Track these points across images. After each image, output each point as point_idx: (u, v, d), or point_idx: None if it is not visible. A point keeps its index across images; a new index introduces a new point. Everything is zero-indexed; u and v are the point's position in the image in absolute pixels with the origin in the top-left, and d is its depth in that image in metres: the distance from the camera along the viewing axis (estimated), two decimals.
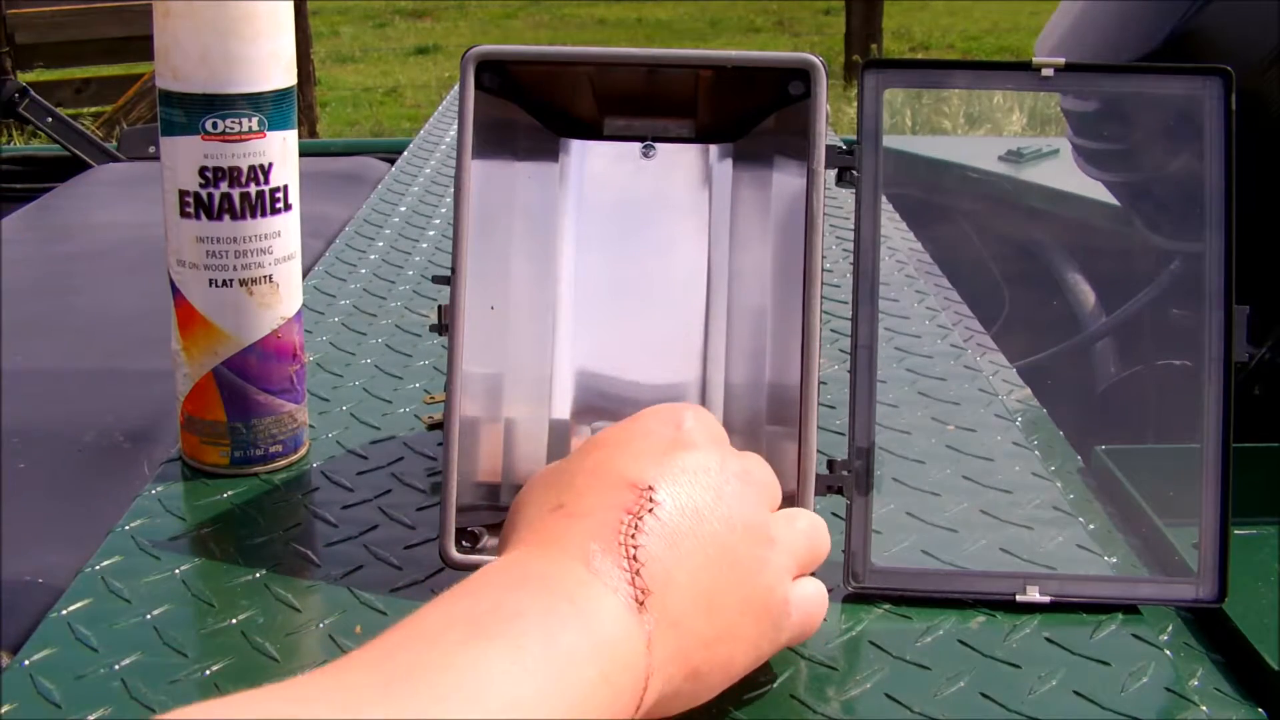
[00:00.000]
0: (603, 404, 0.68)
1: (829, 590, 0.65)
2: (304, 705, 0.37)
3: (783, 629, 0.53)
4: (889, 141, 0.67)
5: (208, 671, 0.57)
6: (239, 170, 0.70)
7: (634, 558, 0.47)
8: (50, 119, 2.12)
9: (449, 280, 0.66)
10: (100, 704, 0.54)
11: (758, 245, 0.68)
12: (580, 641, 0.43)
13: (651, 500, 0.49)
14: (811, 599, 0.55)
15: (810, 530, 0.56)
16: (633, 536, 0.47)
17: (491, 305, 0.68)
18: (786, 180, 0.67)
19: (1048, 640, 0.61)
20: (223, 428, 0.74)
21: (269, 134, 0.71)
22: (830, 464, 0.65)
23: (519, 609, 0.43)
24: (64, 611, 0.61)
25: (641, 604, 0.46)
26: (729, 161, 0.69)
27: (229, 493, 0.73)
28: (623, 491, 0.49)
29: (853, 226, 0.66)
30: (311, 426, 0.79)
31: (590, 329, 0.69)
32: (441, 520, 0.63)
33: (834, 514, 0.68)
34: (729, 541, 0.50)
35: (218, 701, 0.37)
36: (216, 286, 0.72)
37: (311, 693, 0.38)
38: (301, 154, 0.75)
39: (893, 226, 1.23)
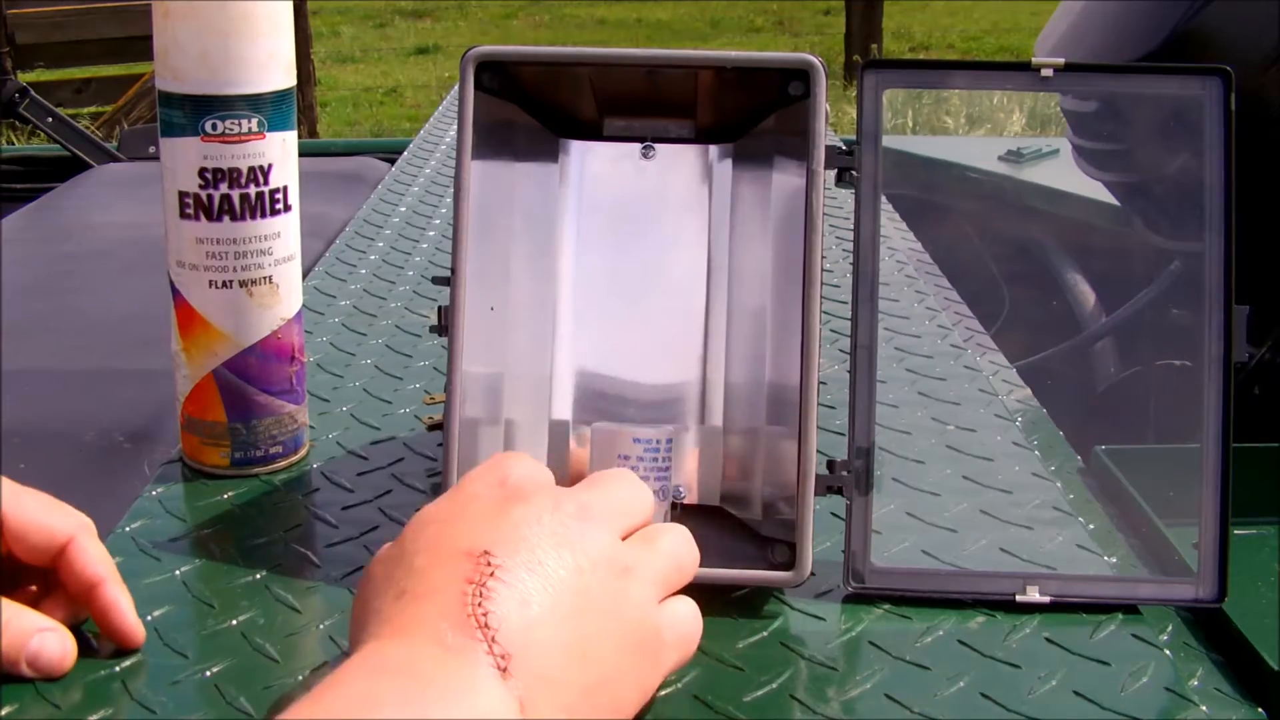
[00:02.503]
0: (603, 404, 0.68)
1: (829, 591, 0.65)
2: None
3: (662, 657, 0.52)
4: (888, 141, 0.67)
5: (208, 673, 0.57)
6: (239, 171, 0.70)
7: (485, 625, 0.46)
8: (50, 119, 2.12)
9: (449, 281, 0.66)
10: (101, 705, 0.54)
11: (757, 245, 0.68)
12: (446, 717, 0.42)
13: (489, 564, 0.47)
14: (683, 619, 0.54)
15: (671, 547, 0.55)
16: (479, 605, 0.46)
17: (491, 306, 0.68)
18: (786, 180, 0.67)
19: (1048, 640, 0.61)
20: (223, 429, 0.74)
21: (268, 135, 0.71)
22: (830, 464, 0.65)
23: (383, 700, 0.42)
24: None
25: (504, 670, 0.45)
26: (729, 162, 0.69)
27: (229, 494, 0.73)
28: (460, 563, 0.48)
29: (852, 226, 0.66)
30: (311, 427, 0.79)
31: (590, 329, 0.69)
32: None
33: (834, 514, 0.68)
34: (582, 584, 0.49)
35: None
36: (216, 288, 0.72)
37: None
38: (301, 154, 0.75)
39: (892, 226, 1.23)
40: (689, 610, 0.54)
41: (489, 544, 0.48)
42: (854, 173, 0.66)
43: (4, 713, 0.54)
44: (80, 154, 2.06)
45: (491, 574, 0.47)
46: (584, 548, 0.50)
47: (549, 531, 0.50)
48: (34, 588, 0.59)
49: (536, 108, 0.69)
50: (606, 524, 0.52)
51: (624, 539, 0.53)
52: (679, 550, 0.55)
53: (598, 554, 0.50)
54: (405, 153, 1.51)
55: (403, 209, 1.28)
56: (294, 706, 0.43)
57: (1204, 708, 0.57)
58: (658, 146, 0.69)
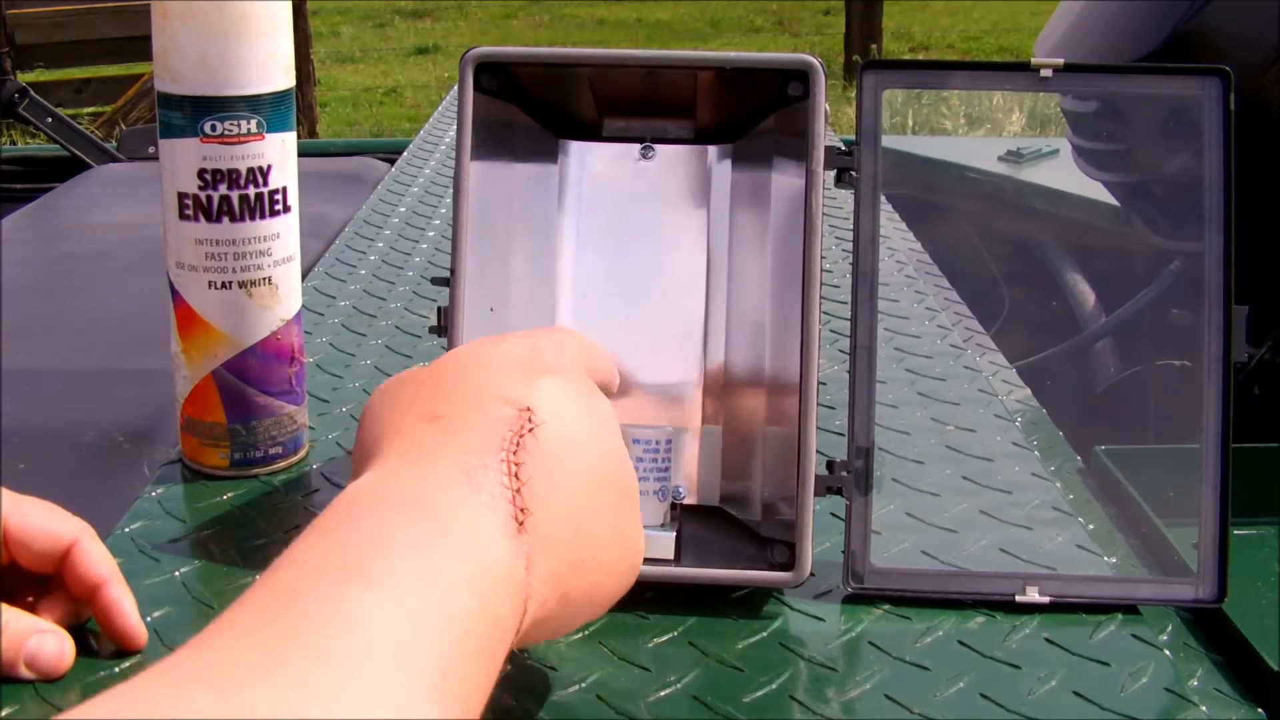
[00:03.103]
0: None
1: (828, 591, 0.65)
2: (181, 692, 0.35)
3: (635, 567, 0.53)
4: (888, 142, 0.67)
5: None
6: (238, 172, 0.70)
7: (516, 475, 0.46)
8: (50, 119, 2.12)
9: (448, 282, 0.66)
10: None
11: (757, 246, 0.68)
12: (460, 571, 0.42)
13: (531, 420, 0.47)
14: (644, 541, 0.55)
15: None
16: (515, 453, 0.46)
17: (491, 307, 0.68)
18: (785, 181, 0.67)
19: (1047, 641, 0.61)
20: (222, 429, 0.74)
21: (268, 136, 0.71)
22: (830, 464, 0.65)
23: (393, 540, 0.41)
24: None
25: (521, 524, 0.45)
26: (728, 162, 0.69)
27: (229, 495, 0.73)
28: (502, 408, 0.47)
29: (852, 226, 0.66)
30: (311, 428, 0.79)
31: (589, 330, 0.69)
32: None
33: (834, 514, 0.68)
34: (604, 468, 0.50)
35: (93, 702, 0.35)
36: (216, 289, 0.72)
37: (188, 673, 0.36)
38: (301, 154, 0.75)
39: (892, 227, 1.23)
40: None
41: (532, 402, 0.48)
42: (853, 173, 0.66)
43: (3, 713, 0.54)
44: (80, 154, 2.06)
45: (531, 429, 0.47)
46: (609, 437, 0.51)
47: (584, 409, 0.50)
48: (30, 598, 0.59)
49: (536, 108, 0.69)
50: (617, 431, 0.52)
51: None
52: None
53: (618, 449, 0.51)
54: (405, 153, 1.51)
55: (402, 209, 1.28)
56: (309, 529, 0.43)
57: (1204, 708, 0.57)
58: (657, 147, 0.69)
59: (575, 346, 0.54)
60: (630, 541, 0.52)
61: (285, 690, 0.35)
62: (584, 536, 0.48)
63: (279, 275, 0.73)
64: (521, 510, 0.45)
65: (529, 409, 0.48)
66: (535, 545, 0.45)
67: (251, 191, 0.71)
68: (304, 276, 0.79)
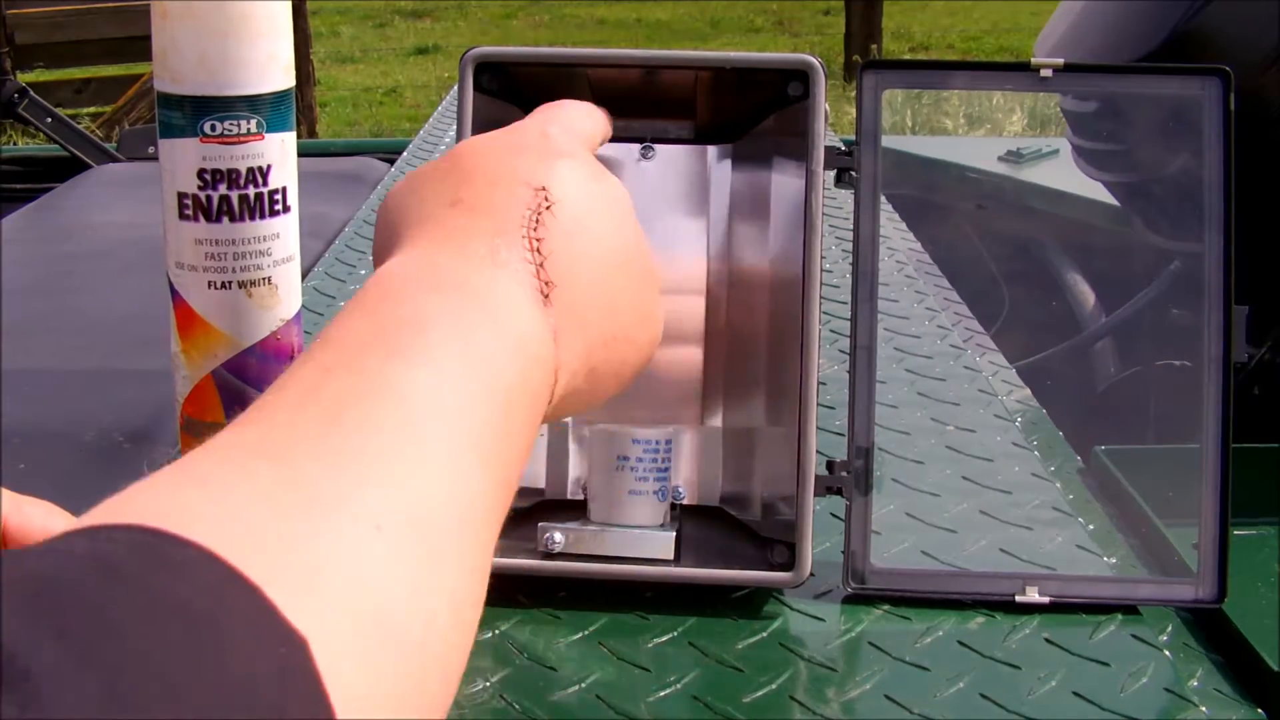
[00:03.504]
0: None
1: (828, 591, 0.65)
2: (237, 463, 0.35)
3: (656, 340, 0.54)
4: (888, 142, 0.67)
5: None
6: (237, 172, 0.70)
7: (538, 250, 0.47)
8: (50, 119, 2.12)
9: None
10: None
11: (757, 246, 0.68)
12: (497, 343, 0.43)
13: (547, 199, 0.48)
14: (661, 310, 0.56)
15: None
16: (534, 229, 0.47)
17: None
18: (785, 181, 0.67)
19: (1047, 641, 0.61)
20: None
21: (267, 136, 0.71)
22: (830, 464, 0.65)
23: (431, 317, 0.42)
24: None
25: (547, 296, 0.46)
26: (728, 162, 0.69)
27: None
28: (520, 189, 0.48)
29: (852, 227, 0.66)
30: None
31: None
32: None
33: (834, 514, 0.68)
34: (621, 244, 0.51)
35: (147, 480, 0.34)
36: (215, 289, 0.72)
37: (243, 445, 0.36)
38: (301, 154, 0.75)
39: (892, 227, 1.23)
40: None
41: (546, 181, 0.49)
42: (853, 173, 0.66)
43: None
44: (80, 154, 2.06)
45: (548, 207, 0.48)
46: (625, 215, 0.52)
47: (598, 191, 0.51)
48: None
49: (536, 108, 0.69)
50: (631, 211, 0.53)
51: None
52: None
53: (635, 227, 0.53)
54: (405, 153, 1.51)
55: None
56: (345, 310, 0.43)
57: (1204, 708, 0.57)
58: (657, 147, 0.69)
59: (582, 123, 0.55)
60: (651, 316, 0.53)
61: (340, 458, 0.35)
62: (608, 310, 0.49)
63: (279, 275, 0.73)
64: (546, 283, 0.46)
65: (544, 188, 0.49)
66: (562, 317, 0.46)
67: (251, 191, 0.71)
68: (304, 276, 0.79)
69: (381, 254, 0.50)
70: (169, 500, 0.32)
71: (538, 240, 0.47)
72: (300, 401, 0.38)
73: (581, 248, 0.48)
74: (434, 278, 0.44)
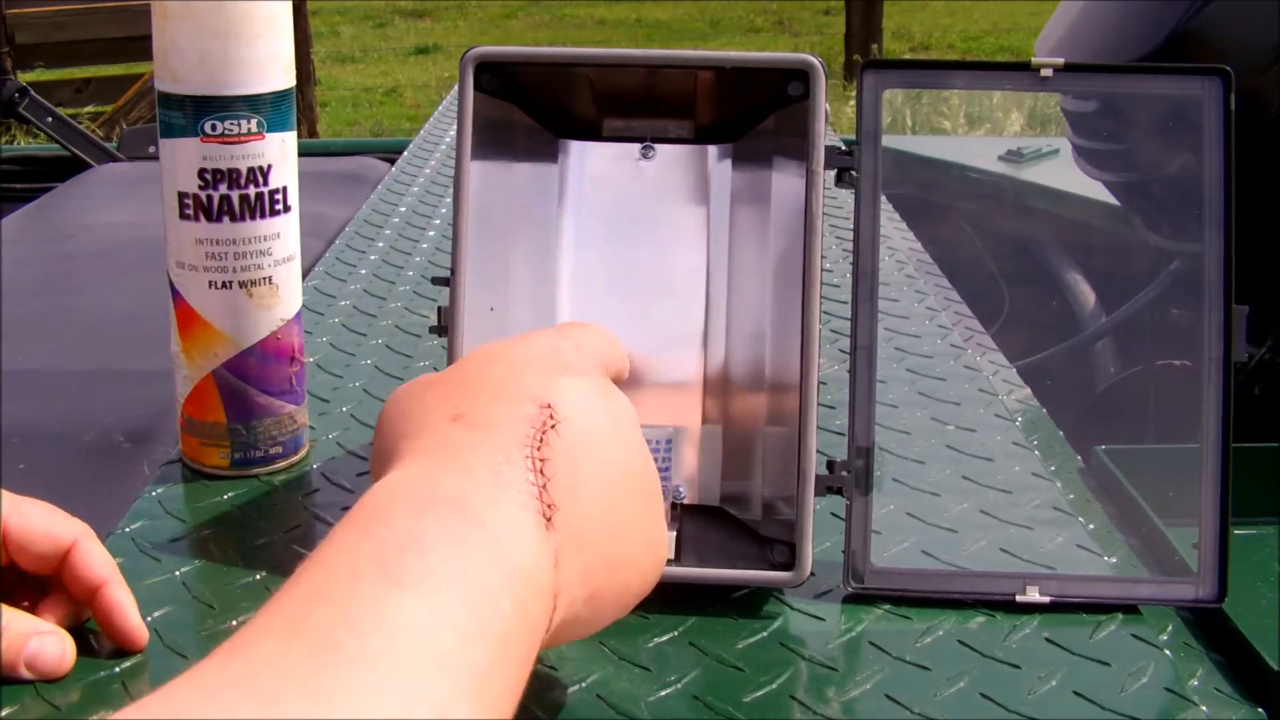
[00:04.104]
0: None
1: (829, 591, 0.65)
2: (221, 700, 0.34)
3: (661, 565, 0.53)
4: (888, 141, 0.67)
5: None
6: (238, 172, 0.70)
7: (541, 470, 0.46)
8: (50, 119, 2.12)
9: (448, 281, 0.66)
10: (101, 706, 0.54)
11: (757, 246, 0.68)
12: (495, 571, 0.42)
13: (552, 417, 0.47)
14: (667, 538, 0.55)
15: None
16: (539, 449, 0.46)
17: (491, 306, 0.68)
18: (786, 181, 0.67)
19: (1048, 640, 0.61)
20: (222, 429, 0.74)
21: (268, 136, 0.71)
22: (830, 464, 0.65)
23: (429, 541, 0.41)
24: None
25: (549, 519, 0.45)
26: (728, 162, 0.69)
27: (229, 494, 0.73)
28: (526, 404, 0.48)
29: (852, 226, 0.66)
30: (311, 428, 0.79)
31: None
32: None
33: (834, 514, 0.68)
34: (627, 470, 0.50)
35: (132, 707, 0.35)
36: (216, 288, 0.72)
37: (229, 680, 0.35)
38: (301, 154, 0.75)
39: (892, 226, 1.23)
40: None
41: (553, 398, 0.48)
42: (854, 173, 0.66)
43: (4, 714, 0.54)
44: (80, 154, 2.06)
45: (554, 425, 0.47)
46: (632, 438, 0.51)
47: (605, 411, 0.50)
48: (30, 599, 0.59)
49: (536, 108, 0.69)
50: (638, 430, 0.52)
51: None
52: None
53: (642, 450, 0.51)
54: (405, 153, 1.51)
55: (403, 209, 1.28)
56: (341, 528, 0.42)
57: (1204, 708, 0.57)
58: (657, 147, 0.69)
59: (595, 344, 0.54)
60: (655, 541, 0.52)
61: (328, 699, 0.35)
62: (611, 534, 0.48)
63: (279, 275, 0.73)
64: (549, 506, 0.45)
65: (550, 405, 0.48)
66: (564, 542, 0.45)
67: (251, 191, 0.71)
68: (304, 276, 0.79)
69: (381, 461, 0.49)
70: None
71: (541, 460, 0.46)
72: (290, 632, 0.37)
73: (587, 468, 0.47)
74: (434, 498, 0.43)
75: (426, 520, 0.42)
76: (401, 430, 0.49)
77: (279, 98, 0.71)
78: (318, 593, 0.39)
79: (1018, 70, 0.66)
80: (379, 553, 0.40)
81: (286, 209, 0.73)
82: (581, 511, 0.47)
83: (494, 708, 0.39)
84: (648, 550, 0.51)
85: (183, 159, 0.70)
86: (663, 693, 0.56)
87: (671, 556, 0.64)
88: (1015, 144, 1.99)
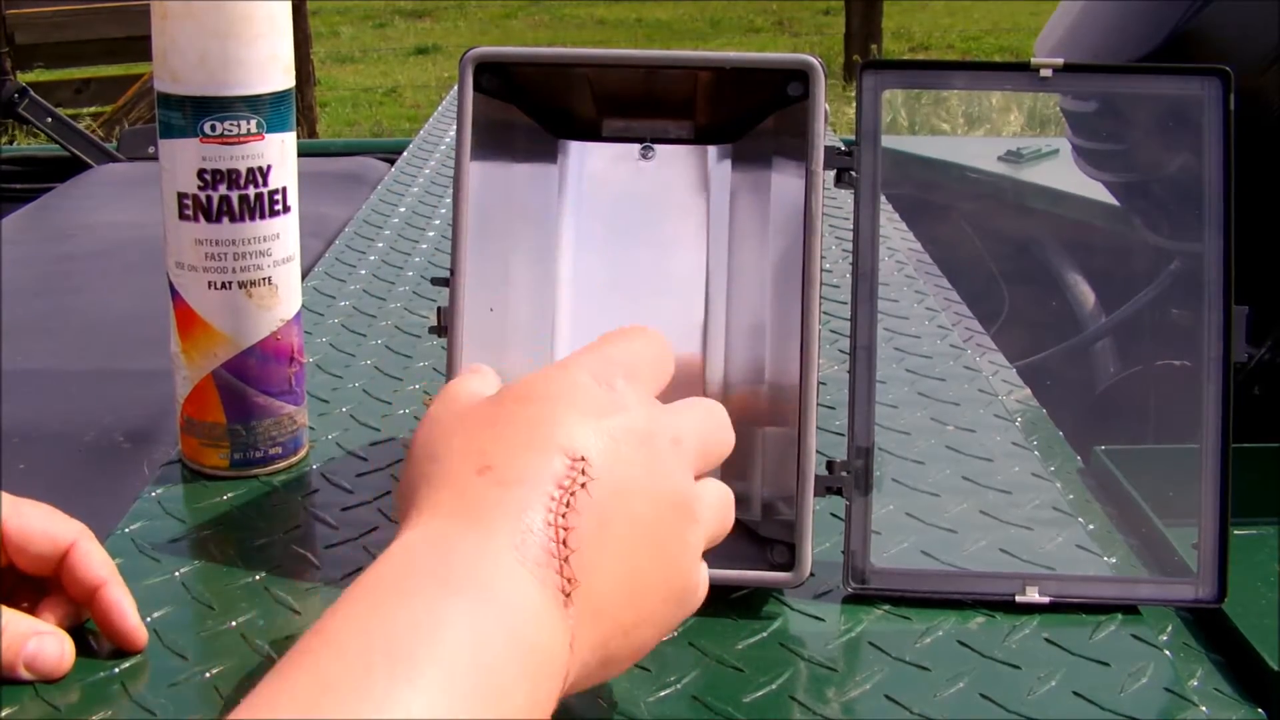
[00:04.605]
0: None
1: (828, 591, 0.65)
2: None
3: (687, 611, 0.51)
4: (888, 142, 0.67)
5: (208, 674, 0.57)
6: (237, 172, 0.70)
7: (564, 542, 0.44)
8: (50, 119, 2.12)
9: (448, 282, 0.66)
10: (100, 707, 0.54)
11: (756, 246, 0.68)
12: (508, 656, 0.41)
13: (584, 474, 0.45)
14: (705, 581, 0.52)
15: (720, 502, 0.52)
16: (564, 516, 0.44)
17: (491, 307, 0.68)
18: (785, 181, 0.67)
19: (1047, 641, 0.61)
20: (222, 430, 0.74)
21: (267, 136, 0.71)
22: (830, 464, 0.65)
23: (445, 624, 0.40)
24: None
25: (568, 596, 0.44)
26: (728, 162, 0.69)
27: (229, 495, 0.73)
28: (556, 459, 0.45)
29: (852, 226, 0.66)
30: (311, 428, 0.79)
31: (589, 330, 0.69)
32: None
33: (834, 514, 0.68)
34: (658, 524, 0.48)
35: None
36: (215, 289, 0.72)
37: None
38: (301, 154, 0.75)
39: (892, 227, 1.23)
40: (705, 572, 0.52)
41: (587, 449, 0.46)
42: (853, 173, 0.66)
43: (4, 714, 0.54)
44: (80, 154, 2.06)
45: (583, 485, 0.45)
46: (668, 484, 0.48)
47: (643, 457, 0.47)
48: (29, 600, 0.59)
49: (535, 108, 0.69)
50: (691, 461, 0.50)
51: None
52: (726, 506, 0.53)
53: (678, 495, 0.48)
54: (405, 153, 1.51)
55: (402, 209, 1.28)
56: (358, 599, 0.41)
57: (1204, 708, 0.57)
58: (657, 147, 0.69)
59: (645, 363, 0.51)
60: (682, 589, 0.49)
61: None
62: (631, 599, 0.47)
63: (279, 275, 0.73)
64: (568, 581, 0.44)
65: (584, 458, 0.46)
66: (581, 618, 0.44)
67: (251, 191, 0.71)
68: (304, 276, 0.79)
69: (408, 497, 0.48)
70: None
71: (565, 530, 0.44)
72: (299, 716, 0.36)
73: (614, 529, 0.46)
74: (453, 573, 0.42)
75: (442, 602, 0.41)
76: (427, 473, 0.48)
77: (279, 98, 0.71)
78: (328, 683, 0.38)
79: (1017, 70, 0.66)
80: (392, 639, 0.39)
81: (286, 209, 0.73)
82: (602, 582, 0.45)
83: None
84: (669, 604, 0.49)
85: (182, 159, 0.70)
86: (663, 693, 0.56)
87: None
88: (1015, 144, 1.99)
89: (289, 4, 0.72)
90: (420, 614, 0.40)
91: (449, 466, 0.47)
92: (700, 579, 0.51)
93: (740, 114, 0.68)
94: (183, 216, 0.71)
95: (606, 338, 0.52)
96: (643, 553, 0.47)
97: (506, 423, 0.48)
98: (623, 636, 0.47)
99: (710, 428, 0.52)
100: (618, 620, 0.46)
